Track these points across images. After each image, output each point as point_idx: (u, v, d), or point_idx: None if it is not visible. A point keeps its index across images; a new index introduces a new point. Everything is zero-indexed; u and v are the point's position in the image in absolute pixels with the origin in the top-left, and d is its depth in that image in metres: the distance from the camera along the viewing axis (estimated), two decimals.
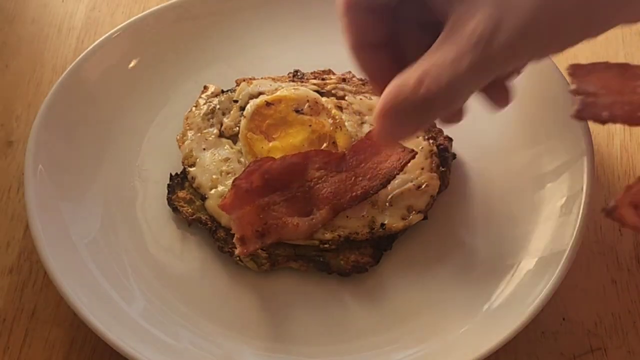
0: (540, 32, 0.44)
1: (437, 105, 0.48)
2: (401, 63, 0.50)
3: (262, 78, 0.70)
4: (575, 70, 0.48)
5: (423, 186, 0.64)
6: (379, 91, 0.52)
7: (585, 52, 0.77)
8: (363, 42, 0.54)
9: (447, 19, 0.47)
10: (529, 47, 0.44)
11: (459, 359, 0.56)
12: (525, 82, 0.66)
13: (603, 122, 0.46)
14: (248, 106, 0.67)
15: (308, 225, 0.60)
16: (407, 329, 0.60)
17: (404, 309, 0.61)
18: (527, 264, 0.61)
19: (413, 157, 0.63)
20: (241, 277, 0.62)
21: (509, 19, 0.43)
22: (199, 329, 0.60)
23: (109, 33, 0.72)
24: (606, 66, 0.49)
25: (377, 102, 0.50)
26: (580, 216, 0.60)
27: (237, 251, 0.58)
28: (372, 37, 0.53)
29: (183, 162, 0.66)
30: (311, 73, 0.71)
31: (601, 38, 0.75)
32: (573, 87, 0.47)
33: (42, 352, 0.61)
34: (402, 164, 0.62)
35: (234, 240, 0.59)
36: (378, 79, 0.53)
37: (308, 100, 0.66)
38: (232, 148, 0.66)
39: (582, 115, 0.47)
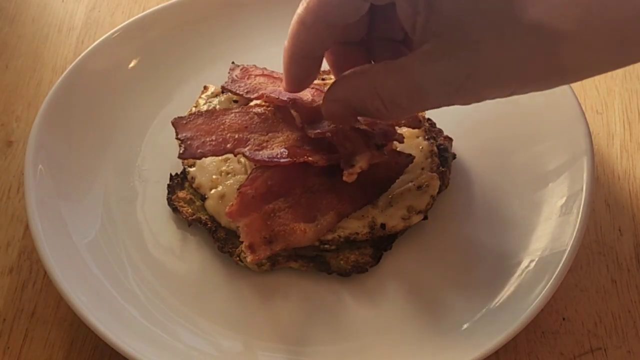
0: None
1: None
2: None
3: None
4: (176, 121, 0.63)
5: (423, 186, 0.64)
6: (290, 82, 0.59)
7: None
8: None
9: (423, 42, 0.50)
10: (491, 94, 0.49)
11: (459, 358, 0.56)
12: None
13: (198, 158, 0.62)
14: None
15: (314, 231, 0.60)
16: (407, 329, 0.59)
17: (404, 309, 0.60)
18: (527, 264, 0.61)
19: (411, 162, 0.63)
20: (241, 277, 0.62)
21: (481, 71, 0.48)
22: (199, 328, 0.60)
23: (109, 33, 0.72)
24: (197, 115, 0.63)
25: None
26: (580, 216, 0.60)
27: (248, 259, 0.59)
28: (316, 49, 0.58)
29: (183, 162, 0.66)
30: None
31: None
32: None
33: (42, 352, 0.61)
34: (401, 168, 0.63)
35: (243, 248, 0.59)
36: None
37: None
38: None
39: (184, 155, 0.61)
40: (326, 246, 0.61)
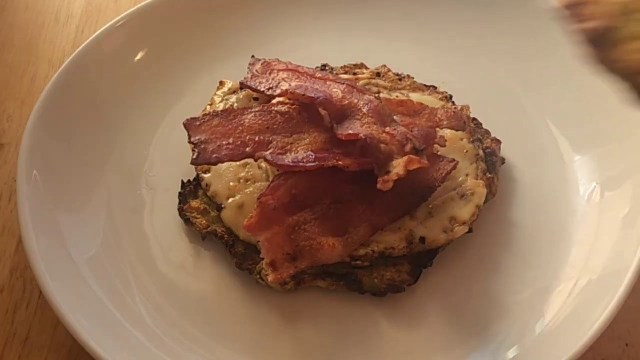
0: None
1: None
2: None
3: None
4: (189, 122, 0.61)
5: (468, 195, 0.62)
6: None
7: None
8: None
9: None
10: None
11: None
12: (588, 75, 0.66)
13: (214, 164, 0.61)
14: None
15: (345, 245, 0.58)
16: (448, 357, 0.58)
17: (446, 333, 0.59)
18: (585, 283, 0.59)
19: (455, 168, 0.62)
20: (262, 298, 0.61)
21: None
22: (214, 355, 0.58)
23: (112, 21, 0.71)
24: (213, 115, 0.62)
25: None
26: None
27: (270, 278, 0.57)
28: None
29: (196, 168, 0.65)
30: (341, 67, 0.70)
31: None
32: None
33: None
34: (443, 175, 0.61)
35: (264, 266, 0.58)
36: None
37: None
38: None
39: (198, 161, 0.60)
40: (358, 263, 0.60)
